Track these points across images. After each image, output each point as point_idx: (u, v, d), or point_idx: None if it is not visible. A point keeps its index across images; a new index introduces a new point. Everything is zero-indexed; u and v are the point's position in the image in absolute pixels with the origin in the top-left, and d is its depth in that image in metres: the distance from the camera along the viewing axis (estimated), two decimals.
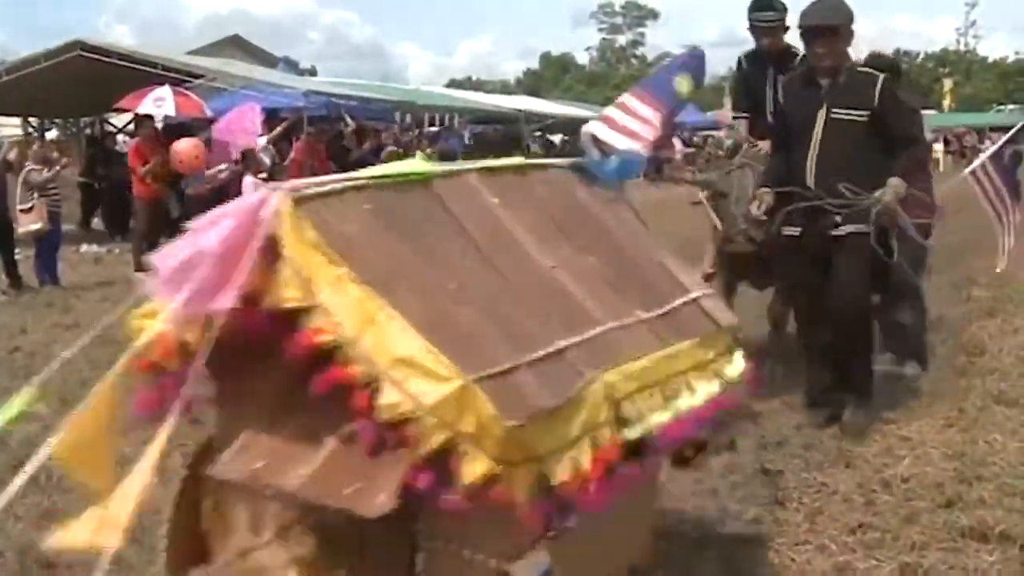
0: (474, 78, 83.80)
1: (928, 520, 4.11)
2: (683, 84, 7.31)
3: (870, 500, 4.37)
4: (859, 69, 5.52)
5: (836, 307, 5.40)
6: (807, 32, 5.42)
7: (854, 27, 5.46)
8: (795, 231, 5.47)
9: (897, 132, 5.34)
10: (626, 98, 7.29)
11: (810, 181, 5.36)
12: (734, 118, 7.12)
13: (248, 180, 12.86)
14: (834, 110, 5.34)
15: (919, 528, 4.04)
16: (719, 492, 4.57)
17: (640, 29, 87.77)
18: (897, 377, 6.36)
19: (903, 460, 4.82)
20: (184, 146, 13.31)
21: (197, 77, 18.03)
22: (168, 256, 2.53)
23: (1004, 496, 4.30)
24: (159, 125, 15.37)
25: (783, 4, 6.65)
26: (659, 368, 3.09)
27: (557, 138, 34.44)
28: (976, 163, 8.34)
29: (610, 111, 7.31)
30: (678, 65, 7.48)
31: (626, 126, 7.21)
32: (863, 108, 5.29)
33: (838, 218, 5.25)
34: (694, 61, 7.82)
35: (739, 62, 7.03)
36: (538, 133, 34.04)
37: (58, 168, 12.59)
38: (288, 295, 2.44)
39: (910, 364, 6.58)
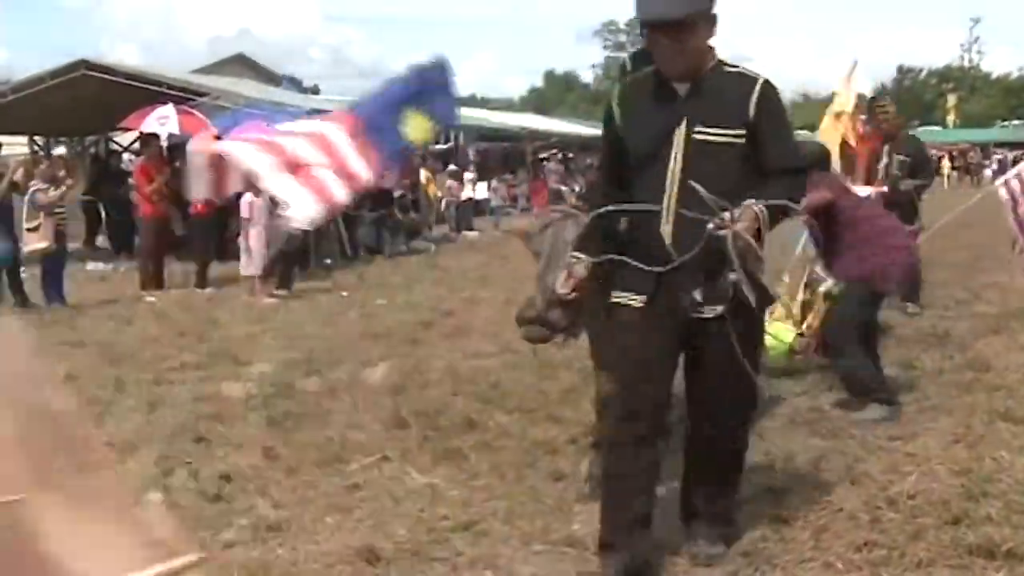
0: (478, 96, 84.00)
1: (934, 537, 4.09)
2: (416, 125, 5.17)
3: (876, 517, 4.35)
4: (729, 69, 3.84)
5: (705, 424, 4.04)
6: (647, 27, 3.83)
7: (716, 11, 3.82)
8: (636, 300, 3.82)
9: (772, 157, 3.76)
10: (329, 130, 5.13)
11: (666, 232, 3.72)
12: None
13: (246, 198, 12.94)
14: (698, 128, 3.73)
15: (925, 545, 4.02)
16: None
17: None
18: (871, 420, 5.90)
19: (909, 477, 4.80)
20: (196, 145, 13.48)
21: (202, 95, 18.09)
22: None
23: (1011, 513, 4.28)
24: (164, 144, 15.44)
25: None
26: None
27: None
28: (1011, 173, 8.44)
29: (298, 146, 5.05)
30: (403, 96, 5.12)
31: (316, 177, 4.96)
32: (735, 125, 3.73)
33: (698, 294, 3.75)
34: (435, 82, 5.28)
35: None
36: (552, 152, 33.99)
37: (64, 188, 12.65)
38: None
39: (871, 407, 6.01)
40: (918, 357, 7.44)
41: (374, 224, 18.16)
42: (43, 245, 11.78)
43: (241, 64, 47.12)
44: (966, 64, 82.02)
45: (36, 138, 23.14)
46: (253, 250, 12.29)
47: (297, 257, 13.87)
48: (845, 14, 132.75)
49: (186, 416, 6.33)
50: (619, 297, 3.87)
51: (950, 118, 62.36)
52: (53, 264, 12.05)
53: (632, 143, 3.86)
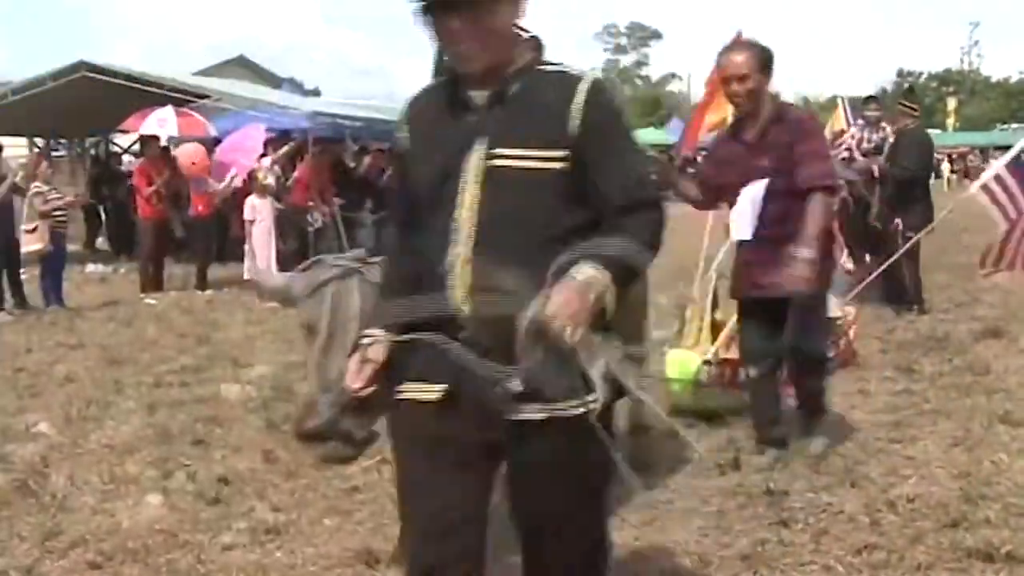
0: None
1: (934, 540, 4.10)
2: None
3: (876, 520, 4.35)
4: (548, 68, 2.66)
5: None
6: (428, 7, 2.53)
7: None
8: (431, 392, 2.55)
9: (611, 188, 2.54)
10: None
11: (458, 298, 2.49)
12: None
13: (249, 200, 12.95)
14: (498, 150, 2.54)
15: (925, 548, 4.03)
16: (724, 512, 4.56)
17: (644, 49, 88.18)
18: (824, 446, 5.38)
19: (908, 480, 4.82)
20: (184, 151, 13.49)
21: (202, 98, 18.07)
22: None
23: (1010, 516, 4.29)
24: (164, 145, 15.45)
25: None
26: None
27: None
28: (988, 173, 8.31)
29: None
30: None
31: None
32: (551, 144, 2.53)
33: (515, 383, 2.41)
34: None
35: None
36: None
37: (72, 199, 12.68)
38: None
39: (817, 438, 5.37)
40: (917, 360, 7.44)
41: (374, 226, 18.16)
42: (38, 247, 11.76)
43: (242, 66, 47.10)
44: (966, 67, 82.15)
45: (36, 139, 23.15)
46: (256, 252, 12.29)
47: (296, 259, 13.87)
48: (845, 17, 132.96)
49: (185, 418, 6.33)
50: (408, 391, 2.58)
51: (950, 121, 62.33)
52: (52, 266, 12.05)
53: (416, 174, 2.67)
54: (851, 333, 7.50)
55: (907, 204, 9.51)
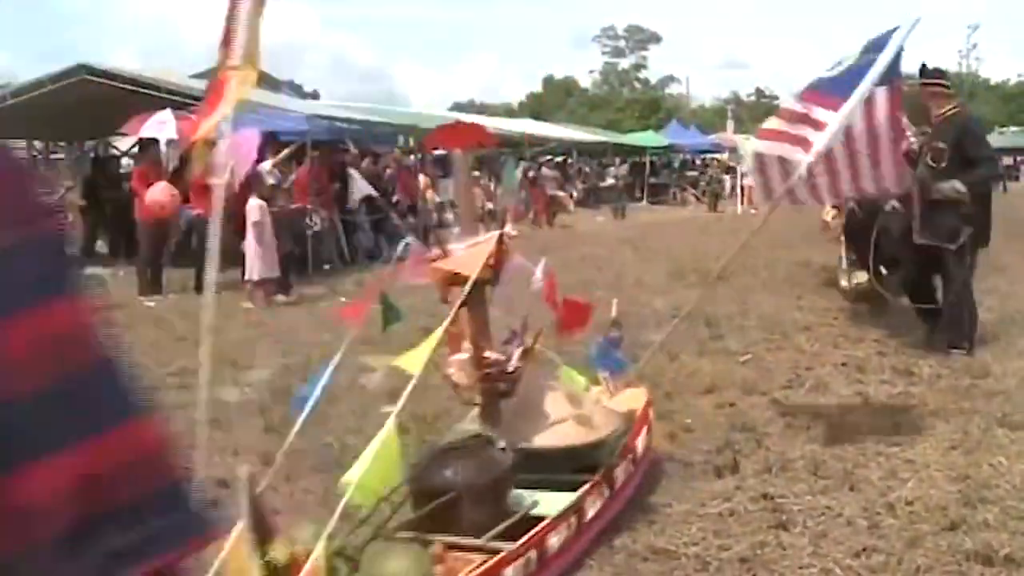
0: (477, 101, 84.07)
1: (932, 543, 4.10)
2: None
3: (874, 523, 4.36)
4: None
5: None
6: None
7: None
8: None
9: None
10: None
11: None
12: None
13: (253, 202, 12.91)
14: None
15: (923, 551, 4.03)
16: (723, 515, 4.56)
17: (643, 52, 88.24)
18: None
19: (907, 483, 4.82)
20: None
21: (201, 100, 18.07)
22: None
23: (1009, 519, 4.30)
24: (164, 149, 15.45)
25: None
26: None
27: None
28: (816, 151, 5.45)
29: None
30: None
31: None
32: None
33: None
34: None
35: None
36: (548, 158, 34.26)
37: (62, 191, 12.64)
38: None
39: None
40: (916, 363, 7.44)
41: (372, 229, 18.16)
42: None
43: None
44: (964, 71, 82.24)
45: (35, 143, 23.15)
46: (259, 254, 12.29)
47: (296, 262, 13.87)
48: (844, 17, 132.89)
49: (183, 421, 6.31)
50: None
51: None
52: None
53: None
54: (641, 440, 4.92)
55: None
